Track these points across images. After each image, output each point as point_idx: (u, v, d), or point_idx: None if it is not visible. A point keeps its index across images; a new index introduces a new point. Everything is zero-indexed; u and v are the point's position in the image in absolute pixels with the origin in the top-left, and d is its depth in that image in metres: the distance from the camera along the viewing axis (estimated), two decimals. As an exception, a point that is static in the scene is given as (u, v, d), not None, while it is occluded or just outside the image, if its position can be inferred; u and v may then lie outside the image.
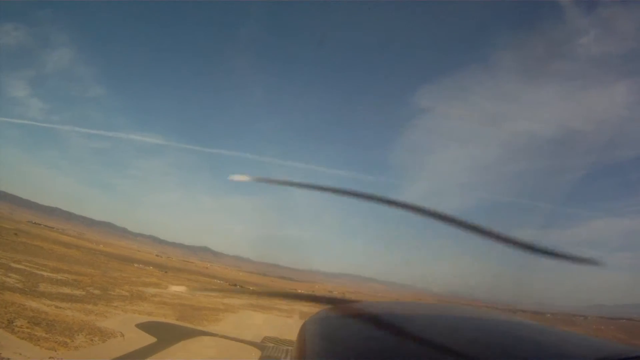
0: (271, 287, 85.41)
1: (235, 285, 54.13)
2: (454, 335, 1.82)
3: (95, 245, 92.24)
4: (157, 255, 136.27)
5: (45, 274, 25.23)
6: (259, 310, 27.99)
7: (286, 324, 21.58)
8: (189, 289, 33.97)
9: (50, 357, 11.42)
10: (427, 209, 1.83)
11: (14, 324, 13.20)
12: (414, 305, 2.57)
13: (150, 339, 13.95)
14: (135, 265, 53.53)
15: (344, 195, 2.05)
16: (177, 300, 26.12)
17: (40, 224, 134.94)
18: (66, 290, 21.39)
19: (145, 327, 16.11)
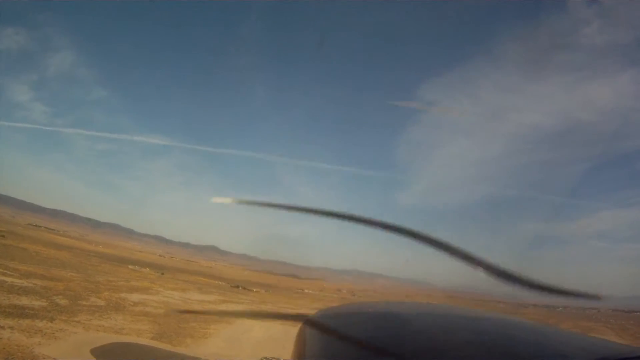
0: (277, 286, 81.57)
1: (237, 286, 50.21)
2: (453, 335, 1.80)
3: (94, 247, 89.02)
4: (160, 256, 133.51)
5: (9, 279, 21.40)
6: (260, 318, 24.00)
7: (291, 335, 17.31)
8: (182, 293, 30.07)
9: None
10: (417, 233, 1.75)
11: None
12: (413, 305, 2.49)
13: (101, 373, 9.89)
14: (130, 266, 49.86)
15: (330, 217, 1.88)
16: (163, 309, 22.21)
17: (40, 227, 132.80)
18: (24, 300, 17.52)
19: (104, 352, 12.03)
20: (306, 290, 78.77)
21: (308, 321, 2.11)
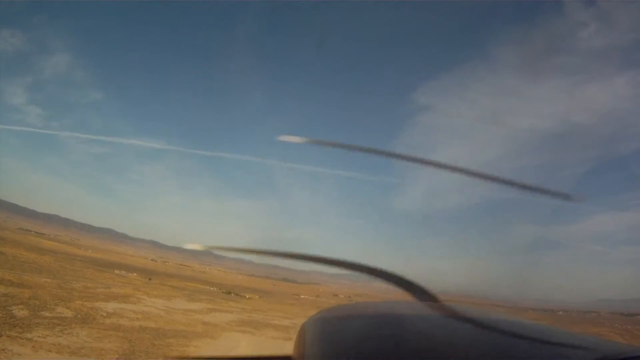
0: (272, 292, 78.76)
1: (229, 293, 47.48)
2: (453, 335, 1.80)
3: (82, 251, 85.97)
4: (152, 260, 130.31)
5: (-33, 287, 18.89)
6: (249, 331, 21.47)
7: (285, 351, 14.88)
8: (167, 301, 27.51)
9: None
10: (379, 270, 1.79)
11: None
12: (413, 305, 2.32)
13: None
14: (116, 271, 47.13)
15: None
16: (140, 321, 19.71)
17: (30, 231, 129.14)
18: (-27, 312, 15.02)
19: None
20: (302, 296, 76.11)
21: (308, 321, 2.05)
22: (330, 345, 1.71)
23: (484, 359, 1.50)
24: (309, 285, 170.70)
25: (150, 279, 45.37)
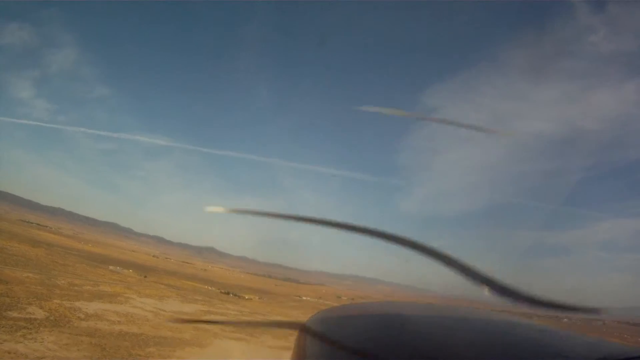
0: (273, 292, 76.65)
1: (228, 293, 45.36)
2: (453, 335, 1.80)
3: (82, 245, 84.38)
4: (154, 256, 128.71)
5: None
6: (243, 338, 19.31)
7: (283, 357, 13.10)
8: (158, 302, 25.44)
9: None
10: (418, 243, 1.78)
11: None
12: (413, 305, 2.44)
13: None
14: (111, 267, 45.22)
15: (328, 226, 1.91)
16: (122, 325, 17.65)
17: (32, 223, 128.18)
18: None
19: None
20: (304, 298, 73.87)
21: (309, 321, 2.02)
22: (330, 345, 1.70)
23: (484, 359, 1.49)
24: (311, 286, 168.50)
25: (145, 276, 43.38)
